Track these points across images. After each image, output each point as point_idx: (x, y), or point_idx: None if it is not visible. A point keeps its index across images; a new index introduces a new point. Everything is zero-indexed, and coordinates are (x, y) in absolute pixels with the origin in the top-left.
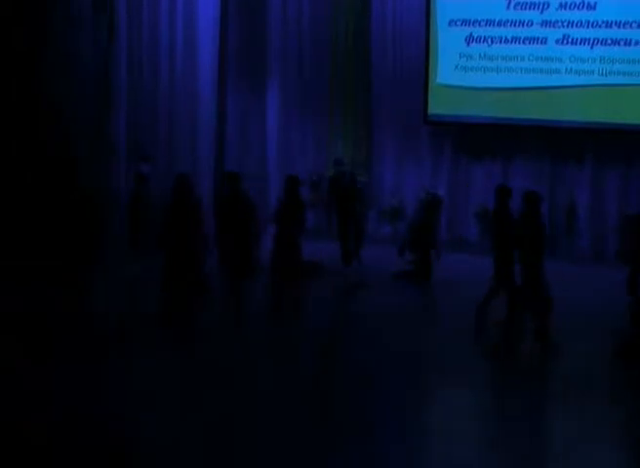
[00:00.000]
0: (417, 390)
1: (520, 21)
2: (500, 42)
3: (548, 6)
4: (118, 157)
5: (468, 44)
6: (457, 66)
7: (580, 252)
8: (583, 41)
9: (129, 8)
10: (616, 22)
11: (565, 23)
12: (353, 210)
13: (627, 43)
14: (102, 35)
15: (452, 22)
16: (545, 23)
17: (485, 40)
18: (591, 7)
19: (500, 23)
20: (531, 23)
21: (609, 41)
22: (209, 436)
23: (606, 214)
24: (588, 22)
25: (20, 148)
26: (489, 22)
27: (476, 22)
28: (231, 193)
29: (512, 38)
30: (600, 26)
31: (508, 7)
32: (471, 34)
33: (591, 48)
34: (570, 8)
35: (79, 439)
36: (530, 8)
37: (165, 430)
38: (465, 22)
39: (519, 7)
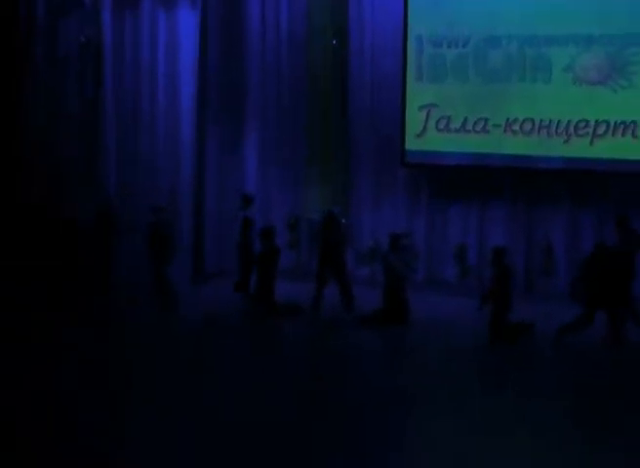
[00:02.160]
0: (397, 428)
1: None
2: None
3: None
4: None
5: None
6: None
7: (556, 290)
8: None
9: (114, 52)
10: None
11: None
12: (340, 252)
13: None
14: (89, 77)
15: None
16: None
17: None
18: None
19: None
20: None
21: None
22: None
23: (582, 254)
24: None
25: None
26: None
27: None
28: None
29: None
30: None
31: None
32: None
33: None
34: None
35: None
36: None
37: None
38: None
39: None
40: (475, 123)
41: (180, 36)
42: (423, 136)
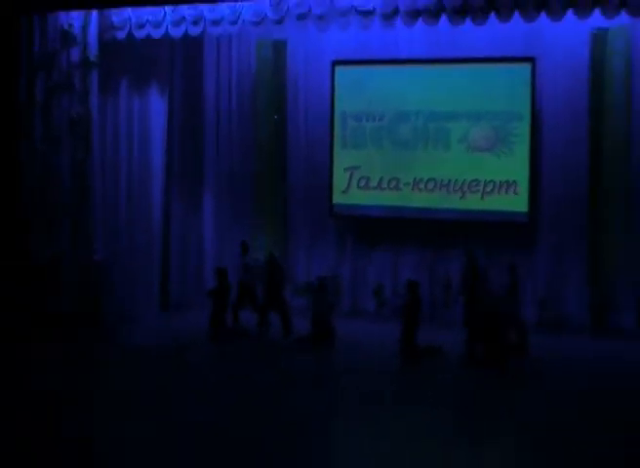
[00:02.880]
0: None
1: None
2: None
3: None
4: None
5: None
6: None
7: (454, 318)
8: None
9: (100, 127)
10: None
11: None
12: (280, 287)
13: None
14: (79, 147)
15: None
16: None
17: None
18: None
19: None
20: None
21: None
22: None
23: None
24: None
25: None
26: None
27: None
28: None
29: None
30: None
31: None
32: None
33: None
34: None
35: None
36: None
37: None
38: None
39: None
40: (389, 182)
41: (151, 116)
42: (348, 192)
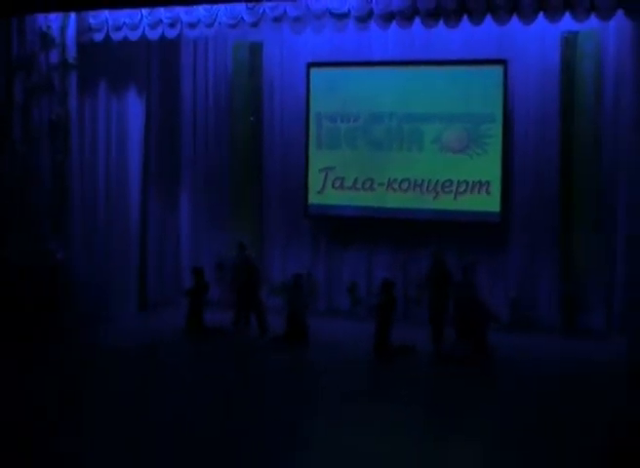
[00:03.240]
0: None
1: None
2: None
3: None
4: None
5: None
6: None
7: (427, 316)
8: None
9: (78, 127)
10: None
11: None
12: (254, 286)
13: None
14: (58, 146)
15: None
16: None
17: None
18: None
19: None
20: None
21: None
22: None
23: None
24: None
25: None
26: None
27: None
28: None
29: None
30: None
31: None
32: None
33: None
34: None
35: None
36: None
37: None
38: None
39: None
40: (364, 182)
41: (129, 117)
42: (323, 192)
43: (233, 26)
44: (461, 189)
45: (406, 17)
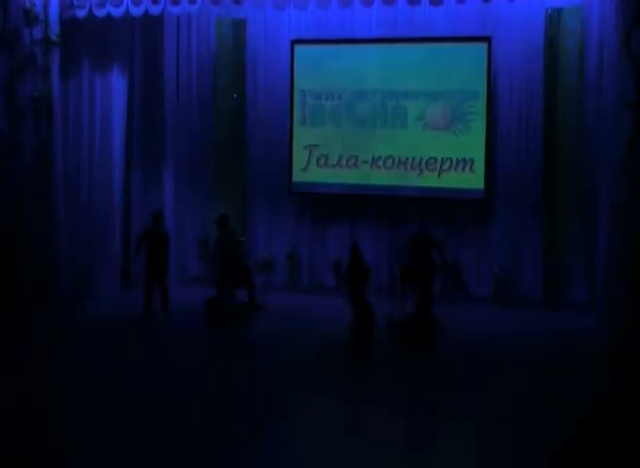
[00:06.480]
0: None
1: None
2: None
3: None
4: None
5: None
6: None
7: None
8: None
9: (62, 105)
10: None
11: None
12: (237, 262)
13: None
14: (42, 123)
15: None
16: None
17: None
18: None
19: None
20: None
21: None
22: None
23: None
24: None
25: None
26: None
27: None
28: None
29: None
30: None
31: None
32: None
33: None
34: None
35: None
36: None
37: None
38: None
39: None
40: (348, 160)
41: (112, 94)
42: (307, 170)
43: (216, 3)
44: (446, 166)
45: None
